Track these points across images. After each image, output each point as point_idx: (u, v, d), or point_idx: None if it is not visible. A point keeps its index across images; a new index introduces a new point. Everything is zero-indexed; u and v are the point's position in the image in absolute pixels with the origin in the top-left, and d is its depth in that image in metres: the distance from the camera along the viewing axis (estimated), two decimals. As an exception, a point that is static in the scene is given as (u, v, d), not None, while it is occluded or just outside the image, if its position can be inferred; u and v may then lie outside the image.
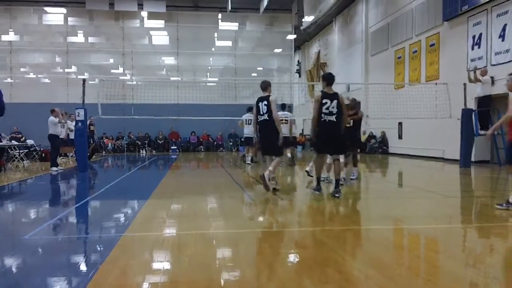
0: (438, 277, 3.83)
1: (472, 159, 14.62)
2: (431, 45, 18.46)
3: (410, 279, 3.75)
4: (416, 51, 19.61)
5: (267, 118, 8.25)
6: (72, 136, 16.85)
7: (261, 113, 8.33)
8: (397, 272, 3.91)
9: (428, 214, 6.66)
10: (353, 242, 5.11)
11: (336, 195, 7.79)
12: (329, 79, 7.88)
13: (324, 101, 7.66)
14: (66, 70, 28.05)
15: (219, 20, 28.58)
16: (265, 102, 8.26)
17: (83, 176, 12.79)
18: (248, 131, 15.52)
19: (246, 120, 15.89)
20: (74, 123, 17.67)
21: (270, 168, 8.40)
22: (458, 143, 14.57)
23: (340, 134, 7.91)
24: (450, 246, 4.93)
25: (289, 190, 9.68)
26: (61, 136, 17.81)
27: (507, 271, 3.87)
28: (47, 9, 27.00)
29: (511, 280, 3.67)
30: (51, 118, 14.08)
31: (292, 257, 4.39)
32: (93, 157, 19.16)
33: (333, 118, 7.67)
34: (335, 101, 7.66)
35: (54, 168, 13.81)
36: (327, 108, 7.64)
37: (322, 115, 7.67)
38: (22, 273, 4.09)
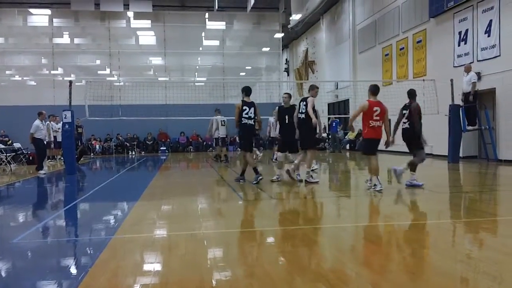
0: (428, 273, 3.85)
1: (460, 154, 14.76)
2: (418, 42, 18.57)
3: (400, 275, 3.77)
4: (403, 48, 19.72)
5: (305, 116, 9.44)
6: (59, 138, 16.72)
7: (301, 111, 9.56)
8: (388, 269, 3.93)
9: (417, 210, 6.70)
10: (343, 240, 5.12)
11: (254, 182, 9.43)
12: (247, 91, 9.65)
13: (244, 108, 9.40)
14: (52, 72, 27.72)
15: (206, 20, 28.48)
16: (305, 102, 9.44)
17: (72, 178, 12.68)
18: (223, 131, 16.29)
19: (221, 121, 16.30)
20: (58, 125, 17.61)
21: (296, 162, 9.70)
22: (446, 139, 14.69)
23: (255, 134, 10.04)
24: (440, 242, 4.96)
25: (277, 189, 9.70)
26: (47, 140, 17.66)
27: (496, 266, 3.90)
28: (31, 10, 26.71)
29: (500, 274, 3.70)
30: (37, 121, 13.86)
31: (283, 256, 4.38)
32: (81, 159, 18.99)
33: (251, 121, 9.49)
34: (252, 108, 9.47)
35: (42, 171, 13.67)
36: (247, 114, 9.41)
37: (243, 119, 9.41)
38: (11, 277, 4.04)
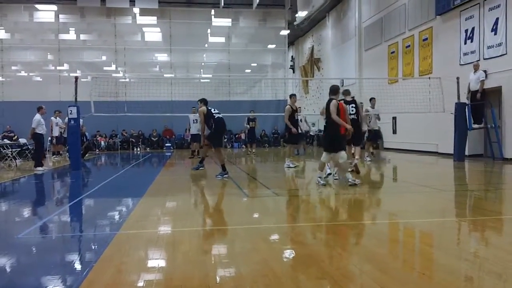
0: (433, 271, 3.83)
1: (466, 153, 14.67)
2: (424, 40, 18.48)
3: (405, 273, 3.76)
4: (409, 46, 19.62)
5: (356, 117, 10.59)
6: (65, 134, 16.79)
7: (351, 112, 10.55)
8: (392, 266, 3.91)
9: (422, 208, 6.68)
10: (348, 237, 5.11)
11: (221, 177, 10.33)
12: (206, 102, 10.92)
13: (209, 108, 10.68)
14: (58, 67, 27.78)
15: (212, 16, 28.43)
16: (353, 105, 10.67)
17: (77, 174, 12.71)
18: (195, 129, 17.34)
19: (193, 120, 17.34)
20: (60, 120, 17.74)
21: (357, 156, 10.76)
22: (451, 137, 14.62)
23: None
24: (445, 240, 4.94)
25: (282, 185, 9.69)
26: (53, 135, 17.73)
27: (501, 265, 3.88)
28: (38, 6, 26.72)
29: (505, 273, 3.68)
30: (37, 116, 13.83)
31: (288, 253, 4.38)
32: (87, 155, 19.04)
33: (221, 115, 10.68)
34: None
35: (40, 168, 13.55)
36: (215, 110, 10.67)
37: (215, 115, 10.51)
38: (15, 272, 4.05)
